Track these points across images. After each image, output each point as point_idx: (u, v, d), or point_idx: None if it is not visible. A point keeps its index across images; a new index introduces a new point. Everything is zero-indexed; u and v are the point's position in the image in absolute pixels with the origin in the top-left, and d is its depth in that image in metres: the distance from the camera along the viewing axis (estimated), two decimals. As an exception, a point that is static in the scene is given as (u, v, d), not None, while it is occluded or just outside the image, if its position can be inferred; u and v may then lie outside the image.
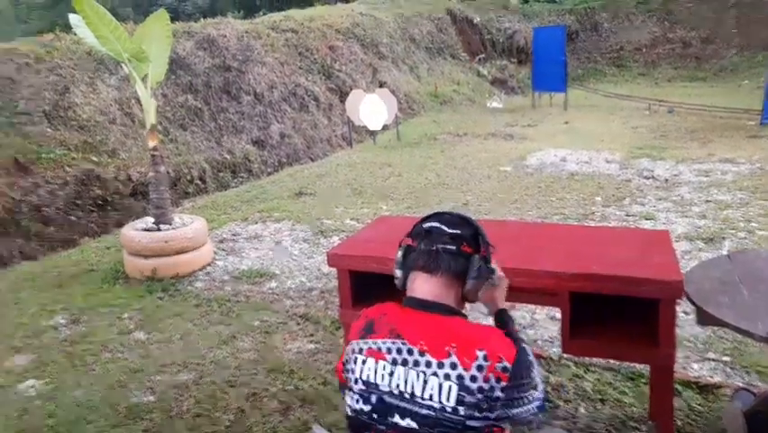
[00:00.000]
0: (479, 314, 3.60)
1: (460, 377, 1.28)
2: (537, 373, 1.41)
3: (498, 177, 7.18)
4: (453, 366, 1.29)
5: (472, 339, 1.33)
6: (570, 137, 9.48)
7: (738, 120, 10.12)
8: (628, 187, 6.39)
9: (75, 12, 4.32)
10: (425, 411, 1.30)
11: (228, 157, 8.86)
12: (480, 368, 1.28)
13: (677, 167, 7.11)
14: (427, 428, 1.30)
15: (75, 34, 4.82)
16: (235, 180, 8.53)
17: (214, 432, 2.62)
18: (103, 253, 5.27)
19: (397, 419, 1.33)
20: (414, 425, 1.31)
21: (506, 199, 6.17)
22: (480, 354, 1.29)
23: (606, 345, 2.18)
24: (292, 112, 10.65)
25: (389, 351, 1.36)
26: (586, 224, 5.12)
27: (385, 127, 10.31)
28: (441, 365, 1.30)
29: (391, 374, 1.34)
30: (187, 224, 4.74)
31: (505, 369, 1.29)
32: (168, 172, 5.81)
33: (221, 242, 5.29)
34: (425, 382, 1.30)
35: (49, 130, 7.15)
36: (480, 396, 1.27)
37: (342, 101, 10.97)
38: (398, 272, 1.51)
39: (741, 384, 2.68)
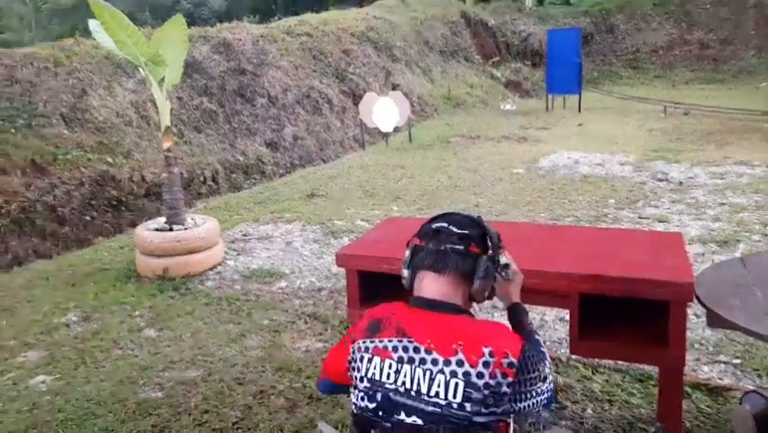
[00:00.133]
0: (487, 309, 3.60)
1: (466, 374, 1.29)
2: (547, 365, 1.41)
3: (510, 179, 7.15)
4: (460, 363, 1.30)
5: (479, 336, 1.33)
6: (583, 140, 9.42)
7: (755, 122, 9.98)
8: (642, 189, 6.33)
9: (94, 17, 4.40)
10: (430, 408, 1.30)
11: (241, 159, 8.93)
12: (486, 364, 1.29)
13: (692, 169, 7.03)
14: (433, 425, 1.30)
15: (94, 39, 4.90)
16: (248, 182, 8.60)
17: (222, 428, 2.63)
18: (116, 253, 5.33)
19: (402, 416, 1.33)
20: (419, 422, 1.31)
21: (518, 202, 6.14)
22: (487, 350, 1.30)
23: (615, 347, 2.16)
24: (305, 114, 10.71)
25: (396, 349, 1.36)
26: (598, 226, 5.08)
27: (397, 129, 10.34)
28: (448, 363, 1.30)
29: (397, 372, 1.35)
30: (200, 224, 4.78)
31: (511, 364, 1.30)
32: (181, 173, 5.87)
33: (232, 242, 5.33)
34: (432, 379, 1.31)
35: (66, 132, 7.27)
36: (486, 392, 1.28)
37: (356, 104, 11.01)
38: (406, 272, 1.52)
39: (751, 387, 2.64)
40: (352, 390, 1.44)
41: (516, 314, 1.61)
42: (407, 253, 1.52)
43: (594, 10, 19.82)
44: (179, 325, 3.72)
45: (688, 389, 2.64)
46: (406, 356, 1.35)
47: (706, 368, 2.89)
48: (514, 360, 1.30)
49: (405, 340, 1.36)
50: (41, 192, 6.27)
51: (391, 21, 15.10)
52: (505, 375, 1.29)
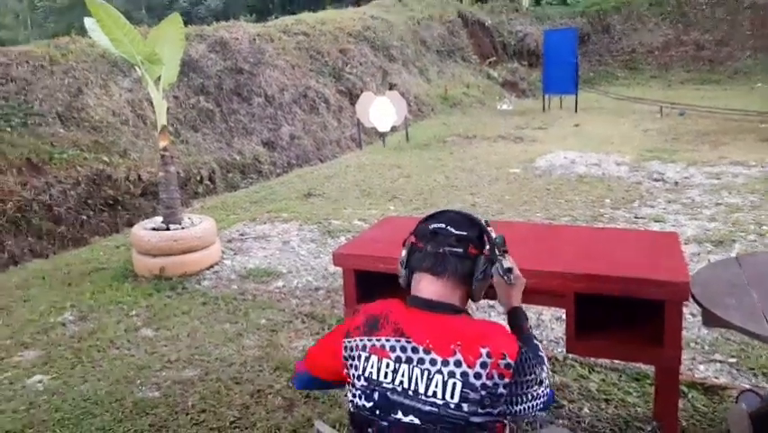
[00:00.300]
0: (483, 308, 3.60)
1: (464, 374, 1.29)
2: (544, 369, 1.41)
3: (506, 179, 7.16)
4: (458, 364, 1.30)
5: (476, 336, 1.34)
6: (580, 140, 9.44)
7: (751, 123, 10.02)
8: (638, 189, 6.35)
9: (90, 15, 4.38)
10: (427, 408, 1.31)
11: (238, 158, 8.92)
12: (483, 365, 1.29)
13: (688, 170, 7.06)
14: (430, 425, 1.31)
15: (90, 37, 4.89)
16: (245, 181, 8.59)
17: (219, 428, 2.64)
18: (112, 252, 5.32)
19: (399, 415, 1.34)
20: (416, 421, 1.32)
21: (514, 201, 6.15)
22: (484, 351, 1.30)
23: (611, 346, 2.17)
24: (302, 114, 10.70)
25: (393, 349, 1.37)
26: (594, 226, 5.09)
27: (394, 129, 10.34)
28: (446, 363, 1.31)
29: (395, 372, 1.35)
30: (196, 223, 4.77)
31: (508, 365, 1.30)
32: (178, 173, 5.86)
33: (229, 241, 5.33)
34: (430, 379, 1.31)
35: (62, 131, 7.25)
36: (483, 393, 1.28)
37: (352, 103, 11.01)
38: (403, 271, 1.52)
39: (747, 386, 2.66)
40: (348, 388, 1.44)
41: (516, 318, 1.61)
42: (404, 252, 1.52)
43: (590, 10, 19.84)
44: (176, 324, 3.72)
45: (684, 388, 2.65)
46: (404, 356, 1.35)
47: (702, 367, 2.91)
48: (511, 361, 1.30)
49: (403, 340, 1.37)
50: (37, 191, 6.25)
51: (388, 20, 15.10)
52: (502, 376, 1.29)
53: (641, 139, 9.31)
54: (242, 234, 5.54)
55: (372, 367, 1.37)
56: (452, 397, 1.29)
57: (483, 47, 17.81)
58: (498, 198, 6.34)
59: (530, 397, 1.34)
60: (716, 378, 2.81)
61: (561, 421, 2.53)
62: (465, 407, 1.29)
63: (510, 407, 1.32)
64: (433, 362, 1.32)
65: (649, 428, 2.45)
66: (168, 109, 5.04)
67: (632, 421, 2.50)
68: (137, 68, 4.66)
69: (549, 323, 3.48)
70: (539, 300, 2.58)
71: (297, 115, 10.56)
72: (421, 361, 1.33)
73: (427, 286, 1.43)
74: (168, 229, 4.65)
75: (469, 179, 7.24)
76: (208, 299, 4.10)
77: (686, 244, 4.50)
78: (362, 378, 1.39)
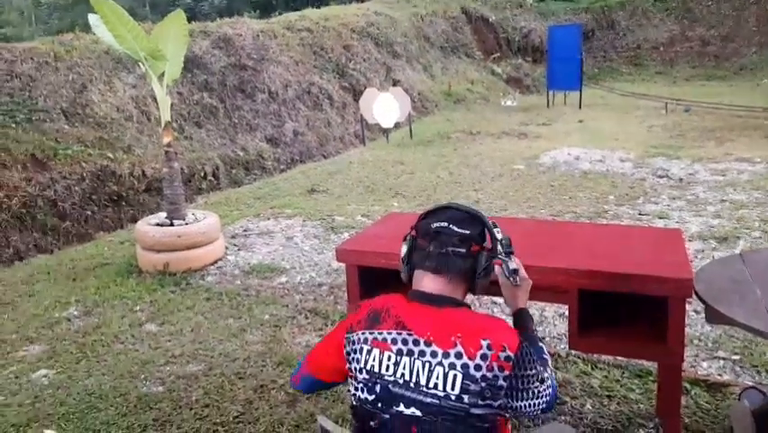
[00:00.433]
0: (486, 304, 3.60)
1: (465, 366, 1.30)
2: (548, 370, 1.42)
3: (510, 175, 7.15)
4: (459, 356, 1.31)
5: (477, 329, 1.35)
6: (584, 136, 9.42)
7: (756, 119, 9.97)
8: (642, 186, 6.33)
9: (94, 12, 4.39)
10: (429, 400, 1.32)
11: (242, 154, 8.92)
12: (484, 357, 1.30)
13: (692, 166, 7.03)
14: (431, 416, 1.32)
15: (94, 34, 4.90)
16: (248, 177, 8.60)
17: (222, 422, 2.65)
18: (117, 248, 5.34)
19: (401, 407, 1.35)
20: (418, 413, 1.33)
21: (518, 198, 6.15)
22: (485, 343, 1.31)
23: (614, 343, 2.17)
24: (306, 110, 10.70)
25: (395, 342, 1.37)
26: (598, 222, 5.09)
27: (398, 125, 10.33)
28: (446, 355, 1.32)
29: (396, 364, 1.36)
30: (200, 219, 4.79)
31: (508, 358, 1.31)
32: (181, 169, 5.87)
33: (233, 237, 5.34)
34: (431, 371, 1.32)
35: (66, 127, 7.26)
36: (483, 384, 1.29)
37: (356, 99, 10.99)
38: (404, 268, 1.53)
39: (750, 383, 2.65)
40: (351, 381, 1.45)
41: (521, 319, 1.61)
42: (405, 248, 1.52)
43: (595, 6, 19.75)
44: (180, 319, 3.73)
45: (687, 385, 2.65)
46: (405, 348, 1.36)
47: (705, 364, 2.91)
48: (511, 354, 1.31)
49: (404, 333, 1.37)
50: (42, 187, 6.27)
51: (392, 16, 15.07)
52: (502, 369, 1.30)
53: (645, 135, 9.27)
54: (245, 230, 5.56)
55: (374, 360, 1.38)
56: (452, 389, 1.30)
57: (487, 43, 17.76)
58: (502, 194, 6.33)
59: (532, 394, 1.34)
60: (719, 375, 2.80)
61: (563, 418, 2.53)
62: (466, 398, 1.30)
63: (511, 400, 1.32)
64: (434, 354, 1.33)
65: (651, 425, 2.45)
66: (171, 105, 5.05)
67: (634, 418, 2.50)
68: (141, 64, 4.67)
69: (552, 319, 3.48)
70: (542, 297, 2.57)
71: (300, 112, 10.55)
72: (422, 353, 1.34)
73: (429, 283, 1.44)
74: (172, 225, 4.66)
75: (472, 176, 7.23)
76: (212, 294, 4.11)
77: (690, 240, 4.49)
78: (364, 371, 1.40)
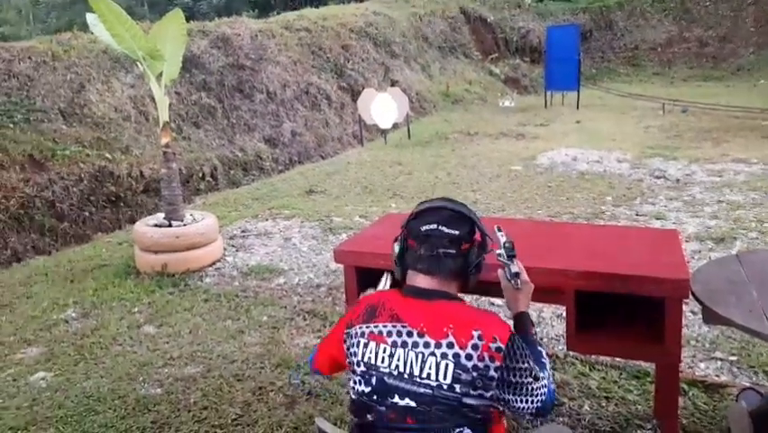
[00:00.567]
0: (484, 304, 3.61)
1: (456, 355, 1.34)
2: (544, 371, 1.44)
3: (508, 176, 7.16)
4: (450, 345, 1.35)
5: (469, 320, 1.39)
6: (581, 137, 9.43)
7: (754, 120, 10.00)
8: (639, 186, 6.35)
9: (92, 11, 4.39)
10: (422, 390, 1.36)
11: (240, 155, 8.92)
12: (475, 347, 1.34)
13: (689, 167, 7.05)
14: (425, 406, 1.36)
15: (92, 33, 4.89)
16: (247, 178, 8.59)
17: (221, 425, 2.65)
18: (115, 249, 5.34)
19: (396, 399, 1.39)
20: (412, 404, 1.37)
21: (516, 198, 6.15)
22: (476, 333, 1.35)
23: (611, 344, 2.17)
24: (304, 110, 10.70)
25: (390, 334, 1.42)
26: (595, 223, 5.10)
27: (396, 126, 10.33)
28: (439, 345, 1.36)
29: (391, 356, 1.40)
30: (198, 220, 4.78)
31: (498, 349, 1.34)
32: (180, 169, 5.86)
33: (231, 238, 5.34)
34: (424, 361, 1.36)
35: (64, 127, 7.25)
36: (474, 374, 1.33)
37: (354, 100, 11.00)
38: (398, 268, 1.57)
39: (747, 384, 2.66)
40: (351, 375, 1.49)
41: (521, 323, 1.63)
42: (397, 248, 1.56)
43: (593, 7, 19.78)
44: (178, 321, 3.73)
45: (684, 386, 2.65)
46: (399, 340, 1.40)
47: (702, 365, 2.91)
48: (501, 345, 1.35)
49: (399, 325, 1.42)
50: (40, 188, 6.26)
51: (390, 16, 15.07)
52: (492, 359, 1.33)
53: (643, 136, 9.29)
54: (243, 231, 5.55)
55: (371, 353, 1.43)
56: (444, 378, 1.34)
57: (485, 43, 17.77)
58: (500, 195, 6.34)
59: (525, 390, 1.36)
60: (716, 376, 2.81)
61: (561, 419, 2.54)
62: (458, 388, 1.33)
63: (503, 393, 1.35)
64: (426, 344, 1.37)
65: (649, 426, 2.46)
66: (170, 105, 5.04)
67: (632, 419, 2.51)
68: (139, 64, 4.66)
69: (549, 320, 3.49)
70: (540, 298, 2.56)
71: (298, 112, 10.55)
72: (416, 344, 1.38)
73: (422, 282, 1.48)
74: (170, 226, 4.66)
75: (470, 176, 7.24)
76: (210, 295, 4.11)
77: (687, 241, 4.50)
78: (362, 364, 1.44)
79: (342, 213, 5.94)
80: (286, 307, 3.87)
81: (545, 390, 1.40)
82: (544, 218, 5.36)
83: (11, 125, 6.77)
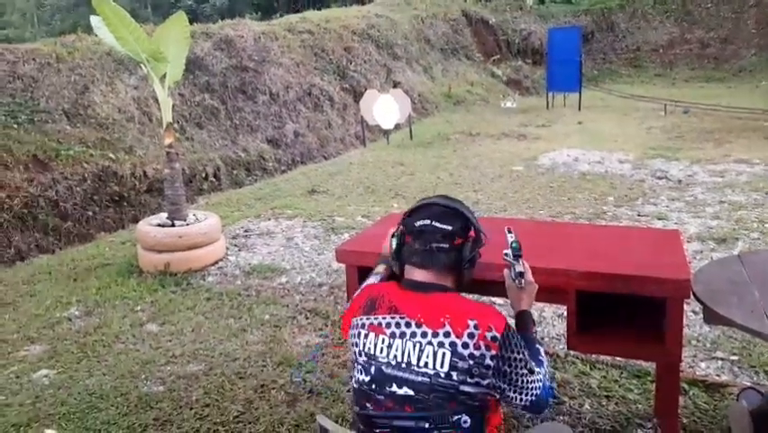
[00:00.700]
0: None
1: (453, 344, 1.37)
2: (541, 367, 1.46)
3: (510, 176, 7.17)
4: (447, 335, 1.39)
5: (465, 311, 1.43)
6: (583, 137, 9.44)
7: (755, 121, 9.99)
8: (641, 187, 6.35)
9: (96, 14, 4.41)
10: (420, 378, 1.39)
11: (243, 155, 8.94)
12: (471, 336, 1.37)
13: (691, 167, 7.05)
14: (422, 394, 1.39)
15: (96, 35, 4.92)
16: (249, 178, 8.62)
17: (223, 422, 2.66)
18: (118, 248, 5.36)
19: (394, 388, 1.42)
20: (410, 392, 1.40)
21: (517, 199, 6.16)
22: (472, 323, 1.39)
23: (612, 343, 2.18)
24: (307, 111, 10.72)
25: (389, 325, 1.46)
26: (597, 223, 5.10)
27: (398, 127, 10.35)
28: (436, 335, 1.40)
29: (389, 347, 1.44)
30: (201, 220, 4.80)
31: (494, 338, 1.38)
32: (183, 169, 5.88)
33: (234, 238, 5.35)
34: (421, 350, 1.40)
35: (68, 128, 7.28)
36: (471, 362, 1.36)
37: (357, 101, 11.02)
38: (395, 262, 1.62)
39: (748, 383, 2.67)
40: (353, 365, 1.54)
41: (522, 321, 1.66)
42: (394, 243, 1.60)
43: (595, 8, 19.79)
44: (181, 319, 3.75)
45: (685, 385, 2.66)
46: (398, 331, 1.44)
47: (703, 364, 2.92)
48: (497, 334, 1.38)
49: (397, 316, 1.46)
50: (44, 187, 6.29)
51: (392, 19, 15.10)
52: (488, 348, 1.37)
53: (644, 137, 9.29)
54: (246, 231, 5.57)
55: (370, 343, 1.47)
56: (441, 366, 1.37)
57: (487, 45, 17.79)
58: (501, 195, 6.35)
59: (520, 381, 1.40)
60: (717, 375, 2.82)
61: (561, 418, 2.55)
62: (454, 375, 1.36)
63: (498, 381, 1.38)
64: (424, 334, 1.41)
65: (650, 425, 2.46)
66: (173, 107, 5.07)
67: (633, 418, 2.51)
68: (143, 66, 4.69)
69: (551, 320, 3.49)
70: (541, 297, 2.57)
71: (301, 113, 10.58)
72: (413, 334, 1.42)
73: (418, 275, 1.53)
74: (173, 225, 4.68)
75: (472, 177, 7.25)
76: (213, 294, 4.13)
77: (689, 241, 4.50)
78: (363, 354, 1.49)
79: (344, 213, 5.96)
80: (288, 306, 3.88)
81: (540, 384, 1.44)
82: (546, 219, 5.37)
83: (15, 126, 6.80)
